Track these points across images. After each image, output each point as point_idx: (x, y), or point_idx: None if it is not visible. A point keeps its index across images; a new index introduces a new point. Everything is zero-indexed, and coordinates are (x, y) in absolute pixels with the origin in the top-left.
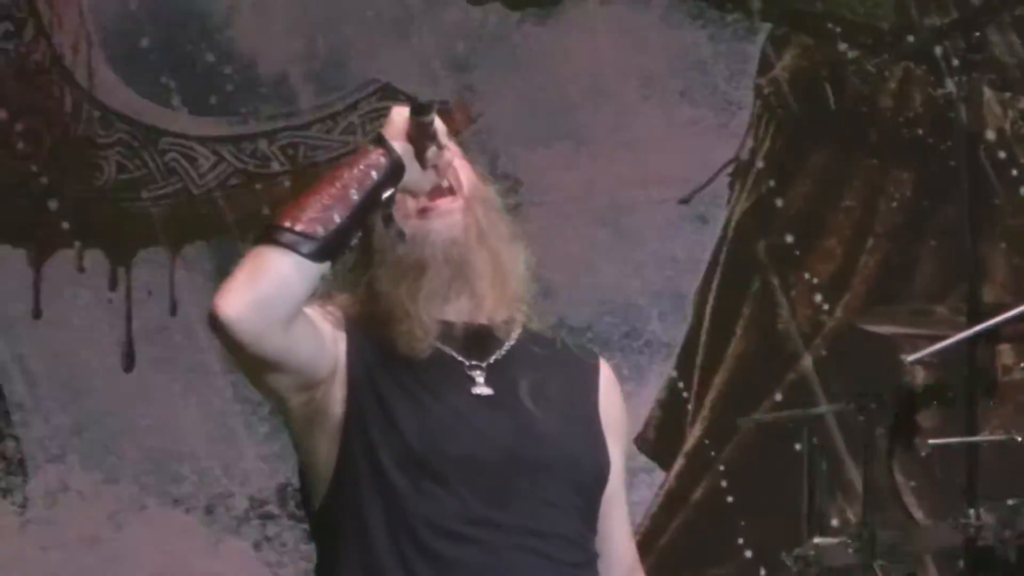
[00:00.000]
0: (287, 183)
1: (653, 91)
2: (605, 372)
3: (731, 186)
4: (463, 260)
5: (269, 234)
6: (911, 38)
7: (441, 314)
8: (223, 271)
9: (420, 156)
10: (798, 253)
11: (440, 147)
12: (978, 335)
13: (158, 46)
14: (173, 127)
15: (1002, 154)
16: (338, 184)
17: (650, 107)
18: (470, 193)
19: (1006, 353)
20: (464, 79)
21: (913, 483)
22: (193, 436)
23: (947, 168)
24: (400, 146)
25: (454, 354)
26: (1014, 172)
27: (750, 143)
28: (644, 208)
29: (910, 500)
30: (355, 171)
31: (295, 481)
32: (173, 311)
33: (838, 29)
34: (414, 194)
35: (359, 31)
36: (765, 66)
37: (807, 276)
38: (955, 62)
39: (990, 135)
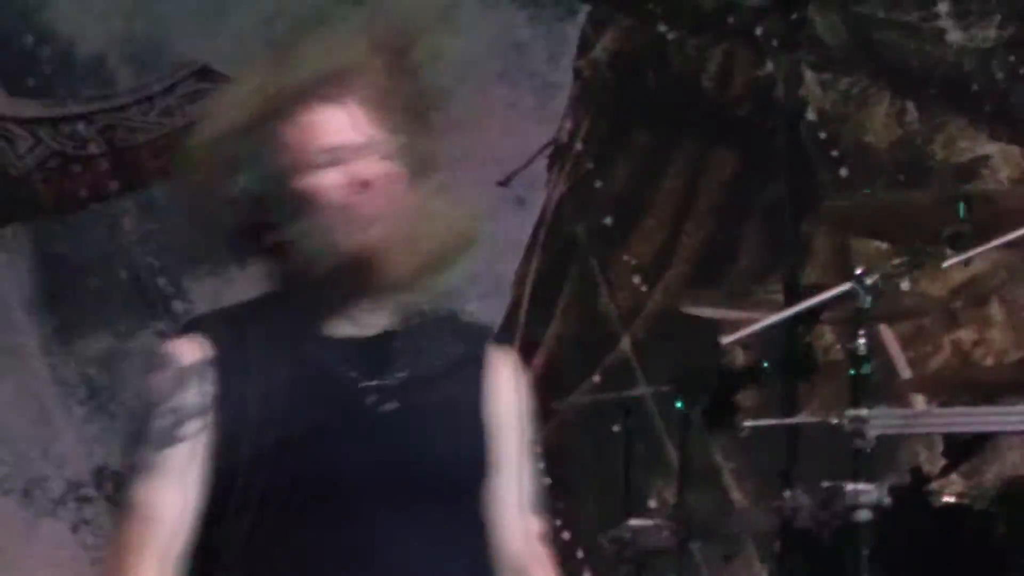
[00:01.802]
0: (104, 165)
1: (471, 73)
2: (491, 358)
3: (550, 168)
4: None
5: None
6: (732, 18)
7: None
8: (41, 252)
9: None
10: (617, 234)
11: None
12: (797, 316)
13: None
14: None
15: (823, 134)
16: None
17: (468, 89)
18: (385, 209)
19: (827, 334)
20: None
21: (732, 465)
22: (10, 418)
23: (769, 148)
24: None
25: (339, 369)
26: (834, 152)
27: (569, 125)
28: (462, 190)
29: (729, 482)
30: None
31: (112, 463)
32: None
33: (658, 9)
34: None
35: (177, 12)
36: (585, 47)
37: (626, 258)
38: (776, 42)
39: (811, 115)
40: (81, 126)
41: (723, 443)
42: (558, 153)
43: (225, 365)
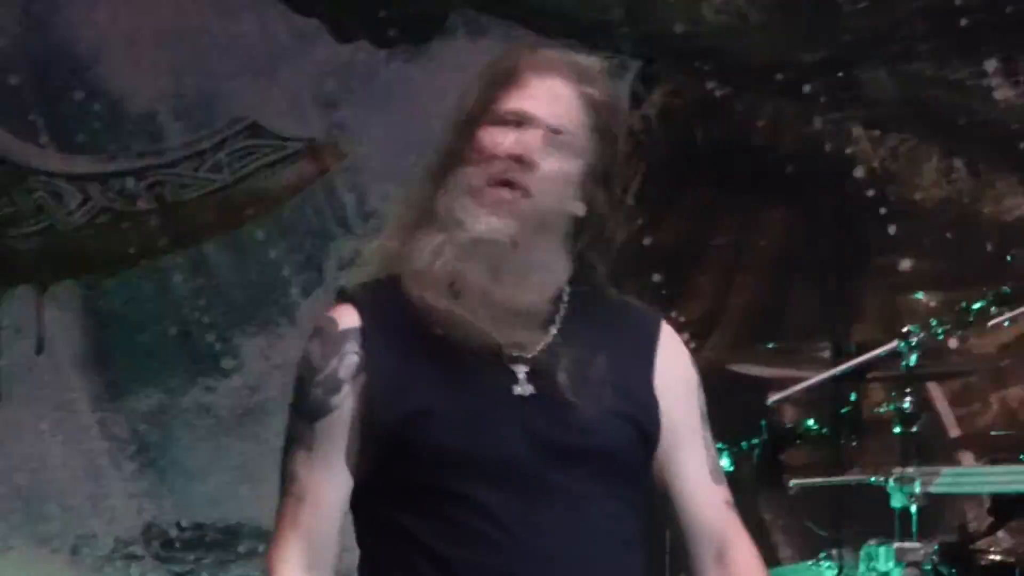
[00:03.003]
0: (154, 221)
1: None
2: (666, 333)
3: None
4: (489, 253)
5: None
6: (780, 76)
7: (486, 296)
8: (91, 309)
9: None
10: (667, 291)
11: None
12: (845, 374)
13: (27, 83)
14: (41, 165)
15: (871, 192)
16: None
17: None
18: (540, 197)
19: (875, 392)
20: (332, 117)
21: (781, 522)
22: (60, 474)
23: (817, 205)
24: None
25: (495, 341)
26: (883, 210)
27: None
28: None
29: (778, 538)
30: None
31: (161, 521)
32: (40, 349)
33: (708, 67)
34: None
35: (227, 68)
36: (636, 104)
37: (675, 315)
38: (824, 100)
39: (860, 172)
40: (131, 182)
41: (772, 500)
42: None
43: (371, 334)
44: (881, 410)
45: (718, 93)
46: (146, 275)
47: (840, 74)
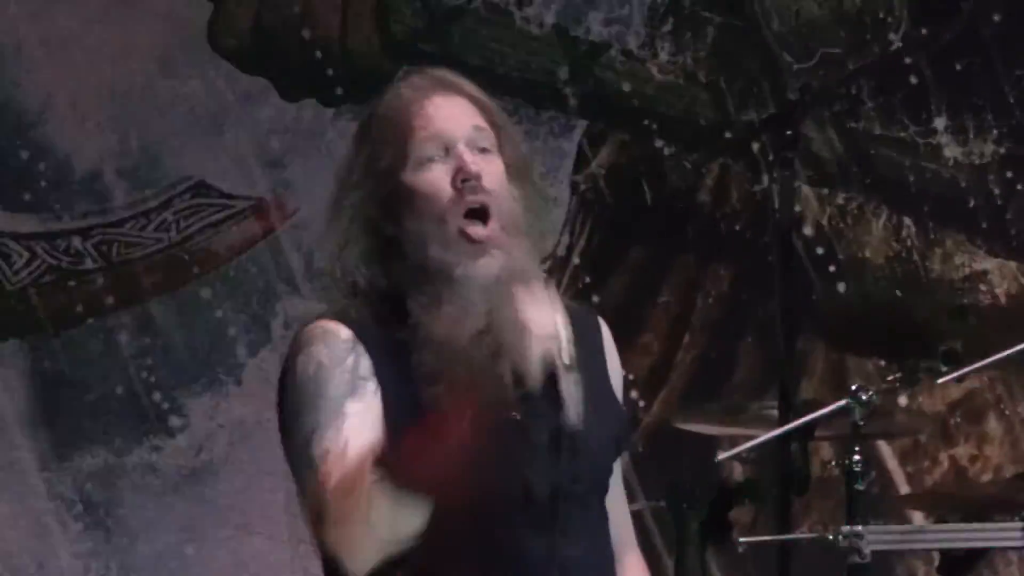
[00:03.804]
0: (100, 280)
1: None
2: (605, 332)
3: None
4: (509, 279)
5: (394, 476)
6: (728, 134)
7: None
8: (37, 368)
9: None
10: None
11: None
12: (792, 432)
13: None
14: None
15: (820, 249)
16: (471, 425)
17: None
18: (503, 208)
19: (824, 449)
20: (279, 175)
21: None
22: (6, 534)
23: (765, 263)
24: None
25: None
26: (832, 268)
27: (566, 240)
28: None
29: None
30: (486, 413)
31: None
32: None
33: (655, 125)
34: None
35: (173, 127)
36: (582, 162)
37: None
38: (772, 157)
39: (808, 231)
40: (77, 241)
41: (720, 558)
42: (555, 267)
43: (369, 351)
44: (830, 468)
45: (666, 151)
46: (92, 334)
47: (788, 132)
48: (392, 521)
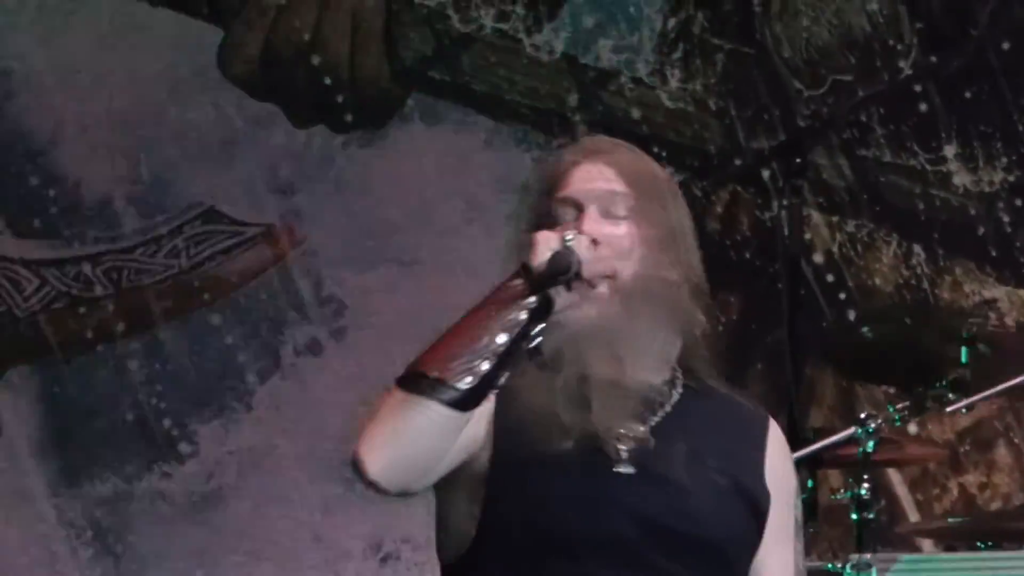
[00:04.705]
0: (110, 307)
1: (478, 214)
2: (774, 431)
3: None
4: (605, 339)
5: (417, 381)
6: (738, 161)
7: (584, 377)
8: (47, 394)
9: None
10: None
11: (583, 278)
12: (800, 460)
13: None
14: None
15: (830, 277)
16: (487, 326)
17: (475, 230)
18: (625, 271)
19: (833, 477)
20: (289, 202)
21: None
22: (16, 560)
23: (774, 291)
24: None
25: (597, 425)
26: (842, 295)
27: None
28: None
29: None
30: (504, 312)
31: None
32: None
33: (664, 152)
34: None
35: (183, 154)
36: None
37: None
38: (782, 185)
39: (818, 258)
40: (87, 267)
41: None
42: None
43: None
44: (838, 496)
45: (675, 179)
46: (102, 360)
47: (798, 160)
48: (404, 416)
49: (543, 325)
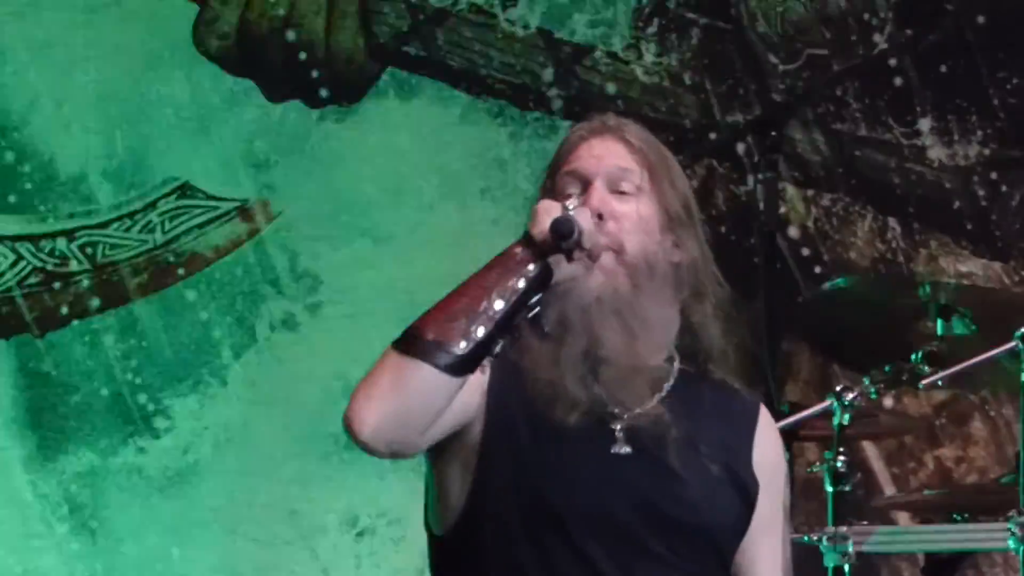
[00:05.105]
0: (85, 282)
1: (453, 189)
2: (764, 418)
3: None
4: (612, 309)
5: (412, 343)
6: (713, 135)
7: (593, 348)
8: (22, 370)
9: (567, 254)
10: None
11: (585, 249)
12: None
13: None
14: None
15: (806, 251)
16: (485, 292)
17: (450, 205)
18: (631, 247)
19: (810, 450)
20: (264, 177)
21: None
22: None
23: (750, 266)
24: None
25: (600, 401)
26: (818, 269)
27: None
28: None
29: None
30: (502, 279)
31: None
32: None
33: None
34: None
35: (158, 129)
36: None
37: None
38: (757, 159)
39: (794, 232)
40: (62, 243)
41: None
42: None
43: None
44: (815, 469)
45: None
46: (77, 335)
47: (773, 134)
48: (397, 378)
49: (541, 295)
